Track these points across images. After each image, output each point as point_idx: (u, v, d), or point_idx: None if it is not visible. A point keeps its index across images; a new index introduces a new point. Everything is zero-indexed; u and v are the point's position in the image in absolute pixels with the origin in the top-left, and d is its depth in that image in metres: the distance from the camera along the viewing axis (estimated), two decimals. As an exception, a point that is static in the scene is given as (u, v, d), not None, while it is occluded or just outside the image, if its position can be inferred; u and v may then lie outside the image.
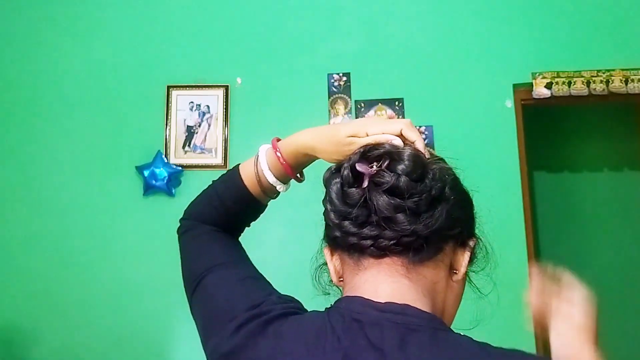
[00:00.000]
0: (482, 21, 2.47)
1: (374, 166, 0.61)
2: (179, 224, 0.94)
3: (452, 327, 0.67)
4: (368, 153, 0.63)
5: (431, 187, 0.61)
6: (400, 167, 0.60)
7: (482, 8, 2.48)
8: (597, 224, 3.35)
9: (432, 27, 2.48)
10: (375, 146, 0.64)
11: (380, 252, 0.61)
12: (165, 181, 2.32)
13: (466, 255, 0.67)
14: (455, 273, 0.66)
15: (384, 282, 0.61)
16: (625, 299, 3.23)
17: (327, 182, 0.66)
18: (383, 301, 0.59)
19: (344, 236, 0.62)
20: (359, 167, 0.61)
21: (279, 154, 0.76)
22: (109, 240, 2.34)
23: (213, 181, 0.86)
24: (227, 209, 0.82)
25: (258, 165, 0.79)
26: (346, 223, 0.61)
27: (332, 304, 0.63)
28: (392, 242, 0.59)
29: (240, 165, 0.82)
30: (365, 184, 0.60)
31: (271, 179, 0.78)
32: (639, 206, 3.28)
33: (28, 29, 2.53)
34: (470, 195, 0.71)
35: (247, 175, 0.80)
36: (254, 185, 0.79)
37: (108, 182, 2.38)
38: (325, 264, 0.70)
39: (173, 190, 2.35)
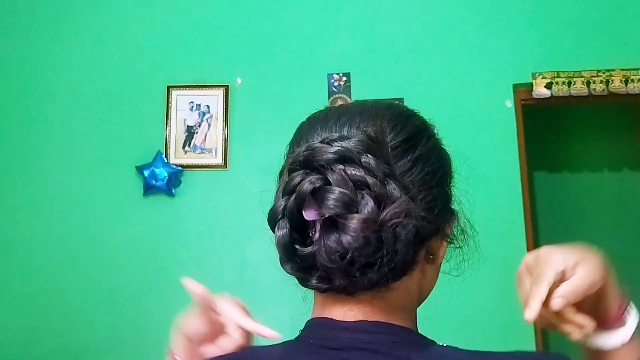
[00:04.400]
0: (482, 21, 2.47)
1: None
2: None
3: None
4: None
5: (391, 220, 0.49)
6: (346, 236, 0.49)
7: (482, 8, 2.48)
8: (597, 224, 3.34)
9: (432, 27, 2.48)
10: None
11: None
12: (165, 181, 2.32)
13: (444, 244, 0.59)
14: (432, 258, 0.58)
15: (351, 304, 0.54)
16: (625, 299, 3.23)
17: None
18: (353, 320, 0.53)
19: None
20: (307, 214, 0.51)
21: None
22: (109, 240, 2.34)
23: None
24: None
25: None
26: (288, 267, 0.53)
27: (302, 329, 0.58)
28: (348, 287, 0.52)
29: None
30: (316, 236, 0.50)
31: None
32: (639, 206, 3.28)
33: (28, 30, 2.53)
34: (446, 156, 0.61)
35: None
36: None
37: (108, 182, 2.39)
38: None
39: (173, 190, 2.35)
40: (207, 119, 2.43)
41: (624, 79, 2.34)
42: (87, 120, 2.44)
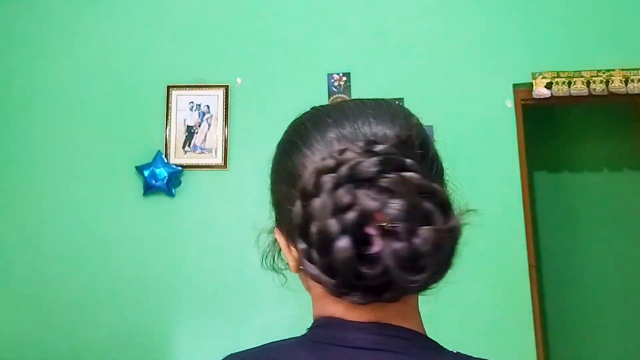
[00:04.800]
0: (482, 21, 2.47)
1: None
2: None
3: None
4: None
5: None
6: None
7: (482, 8, 2.48)
8: (597, 224, 3.35)
9: (432, 27, 2.48)
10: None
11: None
12: (165, 181, 2.32)
13: None
14: None
15: (367, 308, 0.52)
16: (625, 299, 3.23)
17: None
18: (366, 321, 0.52)
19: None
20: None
21: None
22: (109, 240, 2.34)
23: None
24: None
25: None
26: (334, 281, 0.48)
27: (308, 329, 0.57)
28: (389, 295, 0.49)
29: None
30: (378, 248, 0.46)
31: None
32: (639, 206, 3.28)
33: (28, 30, 2.53)
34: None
35: None
36: None
37: (108, 182, 2.39)
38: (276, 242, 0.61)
39: (173, 190, 2.35)
40: (207, 119, 2.43)
41: (624, 79, 2.34)
42: (87, 120, 2.44)
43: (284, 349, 0.55)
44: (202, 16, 2.53)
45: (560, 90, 2.36)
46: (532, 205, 2.75)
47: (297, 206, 0.49)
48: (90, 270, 2.31)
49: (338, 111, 0.57)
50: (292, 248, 0.57)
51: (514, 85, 2.41)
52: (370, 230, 0.46)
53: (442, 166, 0.57)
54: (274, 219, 0.62)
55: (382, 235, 0.46)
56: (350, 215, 0.46)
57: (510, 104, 2.39)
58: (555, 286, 3.29)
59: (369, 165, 0.47)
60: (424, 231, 0.45)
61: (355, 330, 0.52)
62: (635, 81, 2.34)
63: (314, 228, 0.47)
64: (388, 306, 0.52)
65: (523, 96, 2.42)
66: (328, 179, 0.47)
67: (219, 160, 2.39)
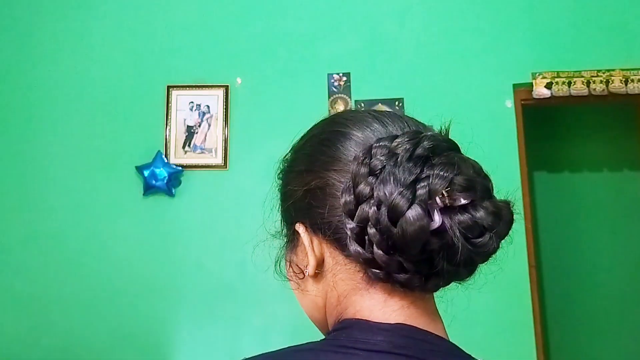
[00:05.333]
0: (482, 21, 2.47)
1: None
2: None
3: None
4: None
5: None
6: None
7: (482, 8, 2.48)
8: (597, 224, 3.35)
9: (432, 27, 2.48)
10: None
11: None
12: (165, 181, 2.32)
13: None
14: None
15: (394, 306, 0.53)
16: (626, 299, 3.23)
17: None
18: (392, 322, 0.52)
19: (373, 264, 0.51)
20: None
21: None
22: (109, 240, 2.34)
23: None
24: None
25: None
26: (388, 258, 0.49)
27: (330, 331, 0.56)
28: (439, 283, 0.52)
29: None
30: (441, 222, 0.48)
31: None
32: (639, 206, 3.28)
33: (28, 29, 2.53)
34: None
35: None
36: None
37: (108, 182, 2.39)
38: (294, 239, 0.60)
39: (173, 190, 2.35)
40: (207, 119, 2.43)
41: (624, 79, 2.34)
42: (87, 120, 2.44)
43: (305, 353, 0.53)
44: (202, 16, 2.53)
45: (560, 90, 2.36)
46: (532, 205, 2.75)
47: (349, 189, 0.51)
48: (90, 270, 2.31)
49: (368, 113, 0.59)
50: (317, 244, 0.56)
51: (514, 85, 2.41)
52: (437, 204, 0.48)
53: None
54: (292, 215, 0.60)
55: (448, 209, 0.48)
56: (420, 189, 0.48)
57: (510, 104, 2.39)
58: (555, 286, 3.29)
59: (428, 144, 0.50)
60: (488, 204, 0.50)
61: (379, 332, 0.51)
62: (635, 81, 2.34)
63: (376, 205, 0.48)
64: (413, 307, 0.52)
65: (523, 96, 2.42)
66: (391, 156, 0.49)
67: (219, 160, 2.39)
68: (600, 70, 2.36)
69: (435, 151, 0.50)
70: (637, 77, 2.34)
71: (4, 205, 2.39)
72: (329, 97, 2.42)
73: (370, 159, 0.50)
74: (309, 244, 0.57)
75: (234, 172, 2.38)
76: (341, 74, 2.44)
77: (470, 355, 0.53)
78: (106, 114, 2.45)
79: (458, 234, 0.48)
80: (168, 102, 2.44)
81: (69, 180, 2.39)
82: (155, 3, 2.55)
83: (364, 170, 0.50)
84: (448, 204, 0.48)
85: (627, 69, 2.35)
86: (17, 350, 2.26)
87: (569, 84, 2.36)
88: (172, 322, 2.28)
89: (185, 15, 2.53)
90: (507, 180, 2.30)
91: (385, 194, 0.48)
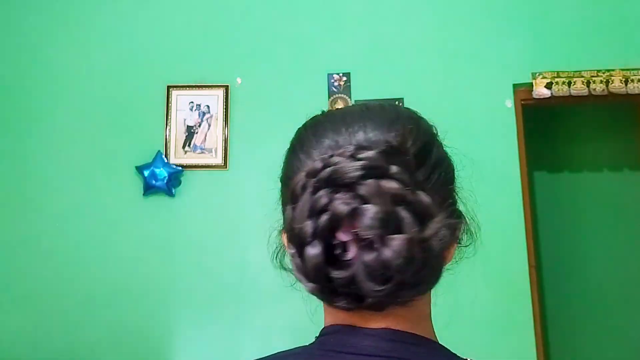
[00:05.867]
0: (482, 21, 2.47)
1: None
2: None
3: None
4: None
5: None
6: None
7: (482, 8, 2.48)
8: (597, 224, 3.35)
9: (432, 27, 2.48)
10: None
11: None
12: (165, 181, 2.32)
13: (454, 248, 0.57)
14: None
15: (370, 312, 0.52)
16: (626, 299, 3.23)
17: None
18: (378, 327, 0.52)
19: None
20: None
21: None
22: (109, 240, 2.34)
23: None
24: None
25: None
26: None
27: (317, 336, 0.56)
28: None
29: None
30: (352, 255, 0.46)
31: None
32: (639, 206, 3.28)
33: (28, 29, 2.53)
34: (451, 158, 0.59)
35: None
36: None
37: (108, 182, 2.39)
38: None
39: (173, 190, 2.35)
40: (207, 119, 2.43)
41: (624, 79, 2.34)
42: (87, 120, 2.45)
43: (293, 357, 0.54)
44: (202, 16, 2.53)
45: (560, 90, 2.36)
46: (532, 205, 2.75)
47: (288, 209, 0.49)
48: (90, 270, 2.31)
49: (339, 116, 0.57)
50: None
51: (514, 85, 2.41)
52: (342, 237, 0.46)
53: (448, 174, 0.56)
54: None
55: (355, 242, 0.46)
56: (323, 219, 0.46)
57: (510, 104, 2.39)
58: (555, 286, 3.29)
59: (350, 170, 0.46)
60: (394, 241, 0.45)
61: (366, 336, 0.51)
62: (635, 81, 2.34)
63: (294, 231, 0.48)
64: (399, 312, 0.52)
65: (523, 96, 2.42)
66: (310, 182, 0.48)
67: (219, 160, 2.39)
68: (600, 70, 2.36)
69: (357, 179, 0.46)
70: (637, 77, 2.34)
71: (4, 205, 2.39)
72: (329, 97, 2.42)
73: (298, 184, 0.49)
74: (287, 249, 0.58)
75: (234, 172, 2.38)
76: (341, 74, 2.44)
77: (456, 355, 0.53)
78: (106, 114, 2.45)
79: (360, 270, 0.45)
80: (168, 102, 2.44)
81: (69, 180, 2.39)
82: (156, 3, 2.55)
83: (292, 195, 0.49)
84: (356, 238, 0.45)
85: (627, 69, 2.35)
86: (18, 350, 2.26)
87: (569, 84, 2.36)
88: (172, 322, 2.28)
89: (186, 16, 2.53)
90: (507, 180, 2.31)
91: (298, 222, 0.47)
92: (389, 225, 0.45)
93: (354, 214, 0.45)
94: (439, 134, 0.59)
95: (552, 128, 3.46)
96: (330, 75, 2.44)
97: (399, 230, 0.45)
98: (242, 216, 2.32)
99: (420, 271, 0.46)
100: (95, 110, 2.46)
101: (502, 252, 2.24)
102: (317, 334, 0.56)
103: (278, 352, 0.56)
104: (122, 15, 2.54)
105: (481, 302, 2.21)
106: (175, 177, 2.36)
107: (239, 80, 2.47)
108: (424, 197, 0.47)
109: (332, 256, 0.47)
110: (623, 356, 3.18)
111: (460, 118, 2.36)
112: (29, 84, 2.48)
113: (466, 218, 0.59)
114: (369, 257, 0.45)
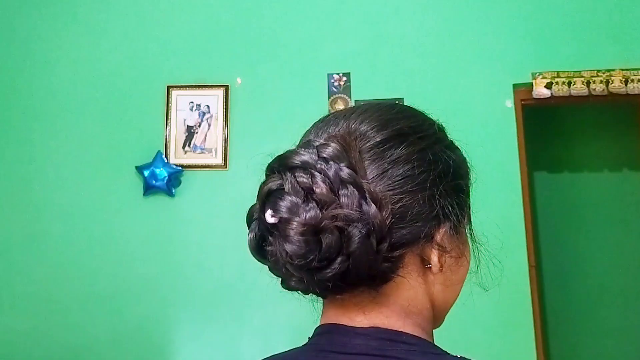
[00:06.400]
0: (482, 21, 2.47)
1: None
2: None
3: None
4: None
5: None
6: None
7: (482, 8, 2.48)
8: (597, 224, 3.35)
9: (432, 27, 2.48)
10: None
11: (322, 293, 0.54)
12: (165, 181, 2.32)
13: (434, 253, 0.55)
14: (430, 267, 0.55)
15: (362, 310, 0.53)
16: (625, 299, 3.23)
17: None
18: (366, 326, 0.53)
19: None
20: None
21: None
22: (109, 240, 2.34)
23: None
24: None
25: None
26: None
27: (312, 335, 0.57)
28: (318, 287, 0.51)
29: None
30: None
31: None
32: (639, 206, 3.28)
33: (28, 30, 2.53)
34: (444, 160, 0.57)
35: None
36: None
37: (108, 182, 2.39)
38: None
39: (173, 190, 2.35)
40: (207, 119, 2.43)
41: (624, 79, 2.34)
42: (87, 120, 2.45)
43: (288, 359, 0.56)
44: (202, 16, 2.53)
45: (560, 90, 2.36)
46: (532, 205, 2.75)
47: None
48: (90, 269, 2.31)
49: (332, 115, 0.60)
50: None
51: (514, 85, 2.41)
52: (269, 218, 0.50)
53: (424, 174, 0.54)
54: None
55: (278, 224, 0.50)
56: (256, 206, 0.53)
57: (510, 104, 2.39)
58: (555, 286, 3.29)
59: (290, 161, 0.50)
60: (290, 223, 0.48)
61: (357, 336, 0.52)
62: (635, 81, 2.34)
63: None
64: (382, 311, 0.53)
65: (523, 96, 2.42)
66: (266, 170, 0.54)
67: (219, 160, 2.39)
68: (600, 70, 2.36)
69: (280, 166, 0.51)
70: (637, 77, 2.34)
71: (4, 205, 2.39)
72: (329, 97, 2.42)
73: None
74: None
75: (234, 172, 2.38)
76: (341, 74, 2.44)
77: (446, 352, 0.54)
78: (106, 114, 2.45)
79: (281, 255, 0.49)
80: (168, 102, 2.44)
81: (69, 180, 2.39)
82: (156, 3, 2.55)
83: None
84: (273, 223, 0.49)
85: (627, 69, 2.35)
86: (18, 350, 2.26)
87: (569, 84, 2.36)
88: (172, 322, 2.28)
89: (186, 15, 2.53)
90: (507, 180, 2.31)
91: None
92: (293, 211, 0.48)
93: (273, 196, 0.50)
94: (430, 135, 0.60)
95: (552, 128, 3.46)
96: (330, 75, 2.44)
97: (298, 217, 0.48)
98: (242, 216, 2.30)
99: (327, 256, 0.47)
100: (96, 110, 2.46)
101: (502, 252, 2.24)
102: (310, 335, 0.57)
103: (273, 355, 0.58)
104: (122, 16, 2.54)
105: (481, 302, 2.21)
106: (175, 177, 2.36)
107: (239, 80, 2.47)
108: (344, 191, 0.49)
109: (262, 245, 0.53)
110: (623, 356, 3.18)
111: (460, 118, 2.35)
112: (29, 84, 2.48)
113: (465, 227, 0.59)
114: (281, 239, 0.49)
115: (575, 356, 3.24)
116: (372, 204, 0.48)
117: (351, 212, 0.48)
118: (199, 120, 2.43)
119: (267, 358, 0.57)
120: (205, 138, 2.41)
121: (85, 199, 2.37)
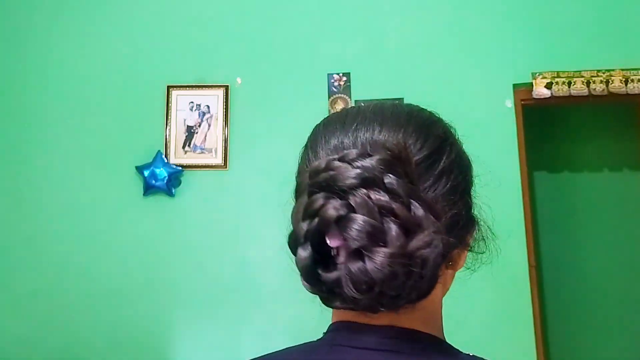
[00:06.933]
0: (482, 21, 2.47)
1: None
2: None
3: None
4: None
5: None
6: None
7: (482, 8, 2.48)
8: (597, 224, 3.34)
9: (432, 27, 2.48)
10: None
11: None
12: (165, 181, 2.32)
13: (464, 254, 0.57)
14: (452, 265, 0.56)
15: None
16: (625, 299, 3.23)
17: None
18: (383, 324, 0.53)
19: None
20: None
21: None
22: (109, 240, 2.34)
23: None
24: None
25: None
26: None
27: (325, 332, 0.57)
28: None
29: None
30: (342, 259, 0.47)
31: None
32: (639, 206, 3.28)
33: (28, 30, 2.53)
34: (467, 163, 0.59)
35: None
36: None
37: (108, 182, 2.39)
38: None
39: (173, 190, 2.35)
40: (207, 119, 2.43)
41: (624, 79, 2.34)
42: (87, 120, 2.45)
43: (302, 352, 0.57)
44: (202, 16, 2.53)
45: (560, 90, 2.36)
46: (532, 205, 2.75)
47: (291, 209, 0.51)
48: (90, 269, 2.31)
49: (351, 115, 0.58)
50: None
51: (514, 85, 2.41)
52: (332, 242, 0.46)
53: (459, 180, 0.55)
54: None
55: (344, 249, 0.46)
56: (314, 223, 0.47)
57: (510, 104, 2.39)
58: (555, 286, 3.29)
59: (346, 177, 0.47)
60: (377, 254, 0.45)
61: (372, 332, 0.53)
62: (635, 81, 2.34)
63: (292, 229, 0.49)
64: (402, 311, 0.51)
65: (523, 96, 2.42)
66: (307, 185, 0.48)
67: (219, 160, 2.39)
68: (600, 70, 2.36)
69: (351, 187, 0.46)
70: (637, 77, 2.34)
71: (4, 205, 2.39)
72: (329, 97, 2.42)
73: (300, 185, 0.50)
74: None
75: (234, 172, 2.38)
76: (341, 74, 2.44)
77: (460, 351, 0.54)
78: (106, 114, 2.45)
79: (343, 276, 0.46)
80: (168, 102, 2.44)
81: (69, 180, 2.39)
82: (156, 3, 2.55)
83: (295, 196, 0.51)
84: (345, 245, 0.46)
85: (627, 69, 2.35)
86: (18, 350, 2.26)
87: (569, 84, 2.36)
88: (172, 322, 2.28)
89: (186, 16, 2.53)
90: (507, 180, 2.31)
91: (294, 223, 0.49)
92: (374, 237, 0.45)
93: (343, 221, 0.46)
94: (455, 139, 0.60)
95: (552, 128, 3.46)
96: (330, 75, 2.44)
97: (384, 243, 0.45)
98: (242, 216, 2.32)
99: (404, 284, 0.46)
100: (96, 110, 2.46)
101: (502, 252, 2.24)
102: (325, 331, 0.58)
103: (286, 348, 0.58)
104: (122, 16, 2.54)
105: (481, 302, 2.21)
106: (175, 177, 2.36)
107: (239, 80, 2.47)
108: (415, 209, 0.47)
109: (324, 258, 0.47)
110: (623, 356, 3.18)
111: (460, 118, 2.34)
112: (29, 84, 2.48)
113: (480, 224, 0.60)
114: (354, 265, 0.45)
115: (575, 356, 3.24)
116: (437, 220, 0.47)
117: (431, 236, 0.45)
118: (199, 120, 2.43)
119: (280, 351, 0.58)
120: (205, 138, 2.41)
121: (85, 199, 2.37)
